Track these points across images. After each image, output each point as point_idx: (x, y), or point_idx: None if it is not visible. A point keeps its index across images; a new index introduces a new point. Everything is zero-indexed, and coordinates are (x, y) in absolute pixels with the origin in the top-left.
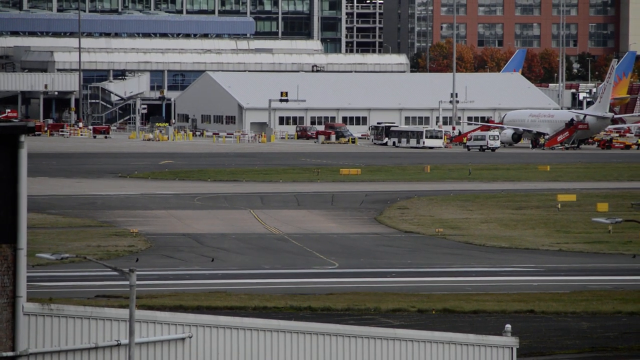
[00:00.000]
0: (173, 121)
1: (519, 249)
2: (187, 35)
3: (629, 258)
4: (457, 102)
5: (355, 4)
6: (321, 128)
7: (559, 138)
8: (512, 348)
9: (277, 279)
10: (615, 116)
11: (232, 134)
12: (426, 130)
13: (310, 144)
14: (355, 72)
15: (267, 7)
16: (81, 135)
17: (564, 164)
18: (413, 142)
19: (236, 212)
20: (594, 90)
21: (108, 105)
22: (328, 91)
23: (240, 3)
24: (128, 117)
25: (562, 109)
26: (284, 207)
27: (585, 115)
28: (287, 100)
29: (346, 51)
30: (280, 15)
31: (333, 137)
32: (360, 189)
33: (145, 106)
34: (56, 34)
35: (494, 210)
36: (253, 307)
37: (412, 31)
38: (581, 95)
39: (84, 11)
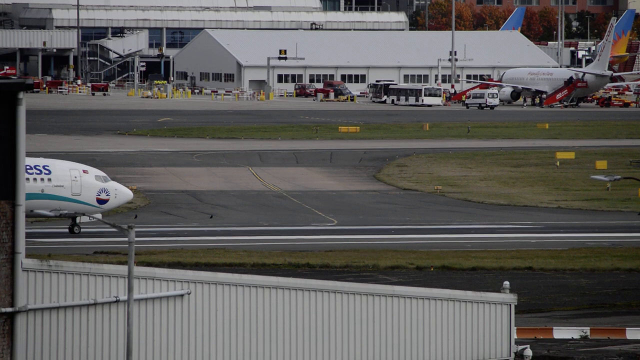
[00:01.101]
0: (172, 79)
1: (518, 207)
2: None
3: (627, 215)
4: (456, 60)
5: None
6: (320, 86)
7: (558, 96)
8: (510, 305)
9: (276, 235)
10: (614, 74)
11: (231, 92)
12: (425, 88)
13: (309, 101)
14: (354, 30)
15: None
16: (80, 92)
17: (563, 122)
18: (412, 100)
19: (235, 169)
20: (593, 48)
21: (106, 63)
22: (327, 49)
23: None
24: (126, 74)
25: (561, 67)
26: (282, 165)
27: (584, 74)
28: (285, 58)
29: (345, 9)
30: None
31: (332, 95)
32: (359, 146)
33: (144, 64)
34: None
35: (492, 168)
36: (252, 264)
37: None
38: (580, 54)
39: None
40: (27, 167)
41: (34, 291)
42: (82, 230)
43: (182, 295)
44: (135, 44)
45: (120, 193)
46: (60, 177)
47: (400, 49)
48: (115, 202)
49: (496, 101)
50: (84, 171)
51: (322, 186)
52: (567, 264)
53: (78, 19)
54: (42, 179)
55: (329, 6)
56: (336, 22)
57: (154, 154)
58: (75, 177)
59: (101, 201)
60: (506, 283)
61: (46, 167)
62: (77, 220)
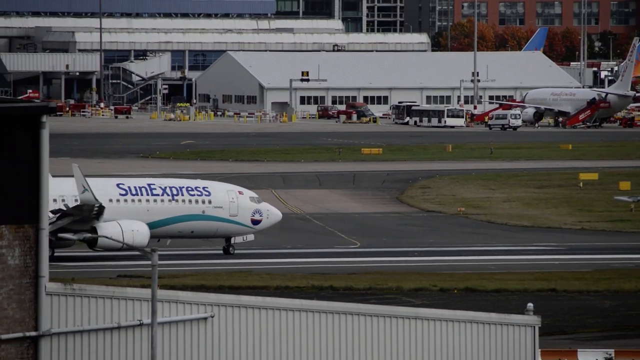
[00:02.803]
0: (194, 101)
1: (541, 228)
2: (208, 15)
3: None
4: (479, 81)
5: None
6: (342, 107)
7: (581, 117)
8: (534, 327)
9: (299, 258)
10: (637, 94)
11: (254, 114)
12: (447, 109)
13: (331, 123)
14: (377, 51)
15: None
16: (102, 115)
17: (586, 143)
18: (434, 121)
19: (258, 191)
20: (616, 68)
21: (129, 86)
22: (349, 71)
23: None
24: (149, 97)
25: (583, 87)
26: (305, 187)
27: (607, 94)
28: (308, 80)
29: (367, 30)
30: None
31: (354, 116)
32: (381, 168)
33: (167, 86)
34: (77, 14)
35: (516, 189)
36: (275, 286)
37: (433, 10)
38: (603, 74)
39: None
40: (189, 188)
41: (58, 315)
42: (107, 254)
43: (205, 319)
44: (158, 66)
45: (272, 214)
46: (219, 198)
47: (422, 70)
48: (267, 222)
49: (519, 122)
50: (240, 192)
51: (345, 208)
52: (591, 286)
53: (101, 41)
54: (203, 201)
55: (351, 28)
56: (358, 44)
57: (176, 177)
58: (233, 198)
59: (255, 222)
60: (530, 305)
61: (206, 189)
62: (232, 240)
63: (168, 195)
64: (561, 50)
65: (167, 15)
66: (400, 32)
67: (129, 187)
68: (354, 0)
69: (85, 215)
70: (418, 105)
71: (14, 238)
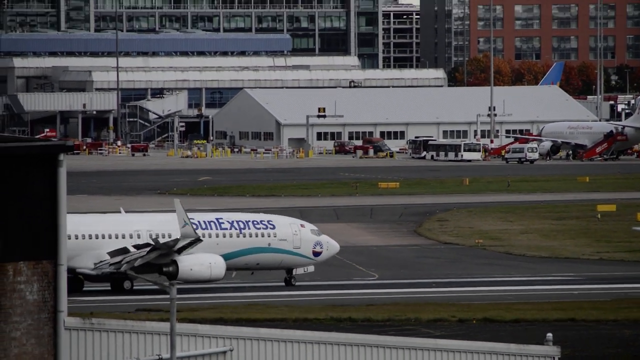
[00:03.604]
0: (211, 138)
1: (559, 259)
2: (225, 53)
3: None
4: (495, 115)
5: (392, 19)
6: (359, 143)
7: (598, 149)
8: (553, 357)
9: (317, 290)
10: None
11: (270, 150)
12: (464, 144)
13: (348, 158)
14: (393, 87)
15: (304, 24)
16: (120, 153)
17: (603, 175)
18: (451, 155)
19: None
20: (633, 101)
21: (146, 124)
22: (365, 106)
23: (277, 20)
24: (166, 135)
25: (600, 120)
26: (323, 221)
27: (624, 127)
28: (324, 116)
29: (383, 66)
30: (317, 32)
31: (371, 151)
32: (399, 202)
33: (184, 124)
34: (94, 54)
35: (533, 221)
36: (293, 319)
37: (449, 46)
38: (619, 107)
39: (122, 31)
40: (255, 222)
41: (77, 349)
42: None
43: (224, 352)
44: (175, 104)
45: (331, 246)
46: (283, 231)
47: (439, 105)
48: (327, 254)
49: (536, 155)
50: (301, 225)
51: (363, 241)
52: (610, 315)
53: (118, 80)
54: (268, 234)
55: (367, 64)
56: (375, 80)
57: (194, 212)
58: (296, 231)
59: (316, 254)
60: (549, 335)
61: (270, 222)
62: (294, 272)
63: (236, 229)
64: (578, 84)
65: (184, 53)
66: (416, 68)
67: (198, 222)
68: (370, 36)
69: (169, 250)
70: (435, 140)
71: (32, 274)
